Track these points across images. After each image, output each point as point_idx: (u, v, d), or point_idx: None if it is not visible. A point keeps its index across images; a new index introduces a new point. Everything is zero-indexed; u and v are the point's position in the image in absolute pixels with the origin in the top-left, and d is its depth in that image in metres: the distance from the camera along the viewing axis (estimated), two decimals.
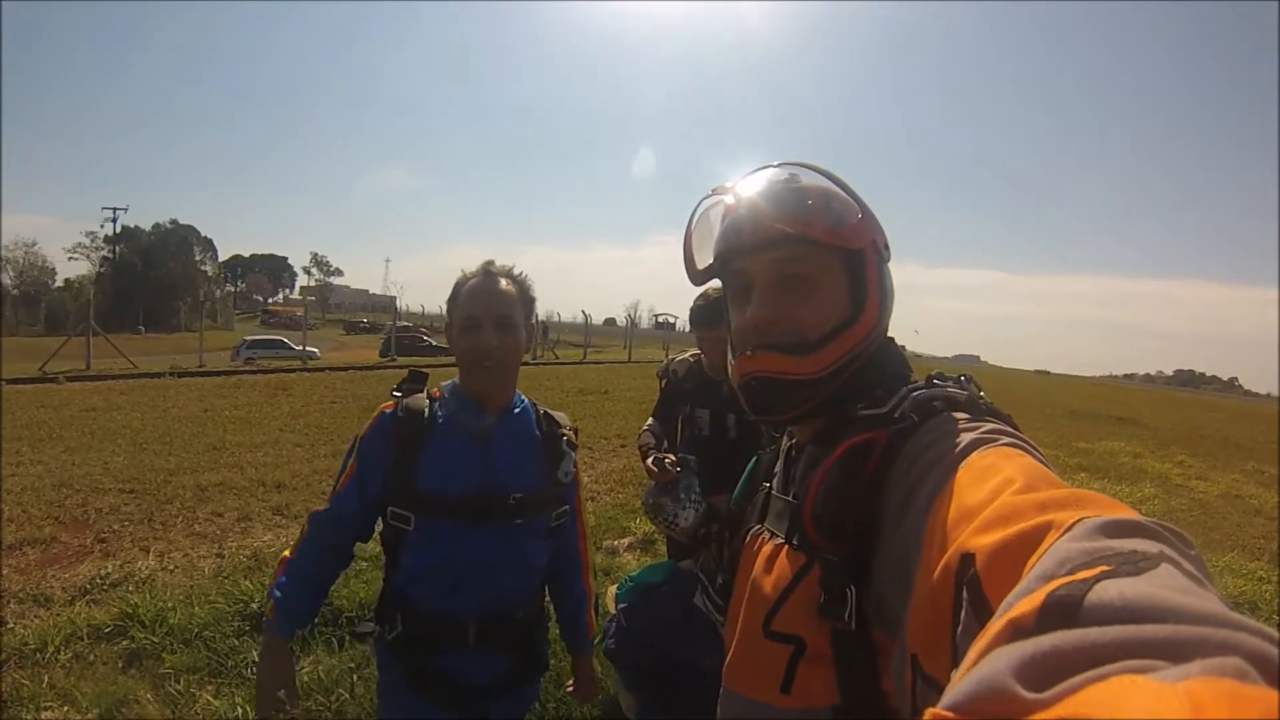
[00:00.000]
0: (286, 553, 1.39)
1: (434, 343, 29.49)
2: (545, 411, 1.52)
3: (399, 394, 1.42)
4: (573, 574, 1.58)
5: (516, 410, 1.46)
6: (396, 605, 1.38)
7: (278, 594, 1.33)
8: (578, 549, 1.58)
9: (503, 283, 1.41)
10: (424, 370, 1.50)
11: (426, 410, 1.39)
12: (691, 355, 2.42)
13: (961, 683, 0.26)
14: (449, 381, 1.46)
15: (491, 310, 1.38)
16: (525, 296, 1.44)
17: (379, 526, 1.42)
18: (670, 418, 2.45)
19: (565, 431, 1.51)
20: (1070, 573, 0.30)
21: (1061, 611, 0.28)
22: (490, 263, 1.44)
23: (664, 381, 2.48)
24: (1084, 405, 22.31)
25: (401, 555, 1.37)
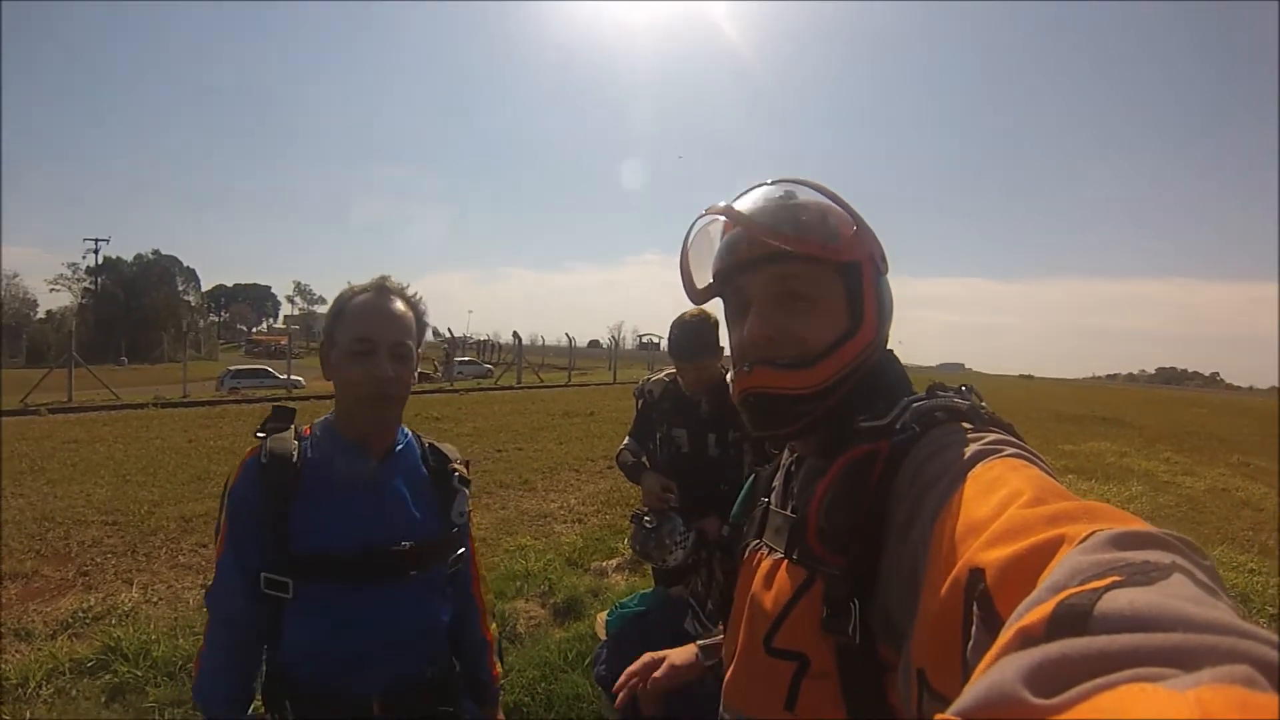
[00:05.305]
0: (201, 644, 1.24)
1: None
2: (431, 444, 1.34)
3: (263, 435, 1.22)
4: (471, 620, 1.40)
5: (400, 447, 1.28)
6: (282, 689, 1.17)
7: (201, 699, 1.21)
8: (474, 593, 1.41)
9: (399, 304, 1.22)
10: (289, 405, 1.29)
11: (295, 454, 1.18)
12: (667, 374, 2.39)
13: (970, 688, 0.26)
14: (322, 418, 1.26)
15: (388, 334, 1.17)
16: (420, 322, 1.25)
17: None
18: (647, 437, 2.43)
19: (456, 466, 1.34)
20: (1081, 583, 0.30)
21: (1071, 620, 0.27)
22: (386, 278, 1.24)
23: (640, 401, 2.46)
24: (1068, 408, 22.57)
25: (283, 629, 1.16)
